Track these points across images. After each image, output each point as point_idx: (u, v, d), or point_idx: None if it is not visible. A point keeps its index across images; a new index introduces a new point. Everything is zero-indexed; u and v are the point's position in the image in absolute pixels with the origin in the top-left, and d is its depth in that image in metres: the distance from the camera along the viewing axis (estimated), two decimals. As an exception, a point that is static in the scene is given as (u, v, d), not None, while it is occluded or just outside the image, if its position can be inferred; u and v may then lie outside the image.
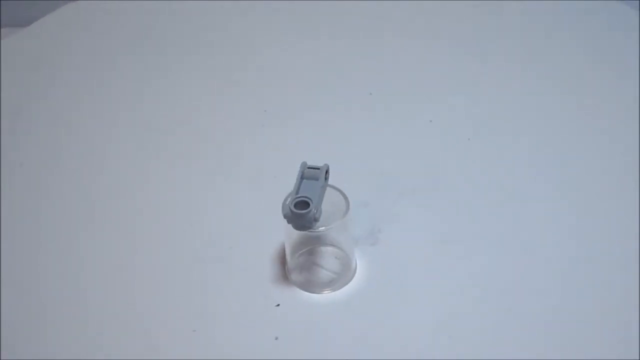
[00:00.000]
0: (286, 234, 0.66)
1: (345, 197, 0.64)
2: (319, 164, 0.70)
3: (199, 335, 0.63)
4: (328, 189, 0.64)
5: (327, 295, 0.65)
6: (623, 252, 0.67)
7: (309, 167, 0.64)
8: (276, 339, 0.62)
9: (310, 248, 0.68)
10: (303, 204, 0.61)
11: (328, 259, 0.68)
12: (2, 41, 1.00)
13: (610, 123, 0.81)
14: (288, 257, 0.67)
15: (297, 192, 0.62)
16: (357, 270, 0.67)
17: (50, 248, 0.71)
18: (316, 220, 0.61)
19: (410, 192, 0.75)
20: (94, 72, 0.95)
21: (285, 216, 0.61)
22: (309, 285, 0.66)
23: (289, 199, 0.62)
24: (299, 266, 0.67)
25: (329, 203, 0.63)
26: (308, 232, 0.63)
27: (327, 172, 0.64)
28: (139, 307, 0.66)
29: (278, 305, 0.64)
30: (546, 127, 0.81)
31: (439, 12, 1.01)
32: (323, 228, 0.63)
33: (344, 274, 0.66)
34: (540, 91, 0.87)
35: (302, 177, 0.63)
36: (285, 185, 0.64)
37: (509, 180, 0.75)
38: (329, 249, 0.68)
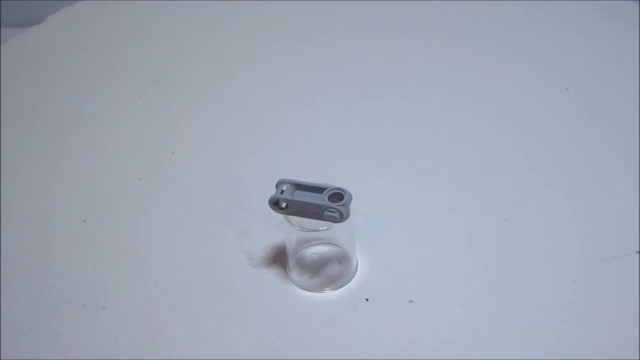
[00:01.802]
0: (286, 234, 0.66)
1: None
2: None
3: (198, 335, 0.63)
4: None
5: (328, 295, 0.65)
6: (623, 251, 0.67)
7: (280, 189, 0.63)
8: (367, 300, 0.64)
9: (310, 247, 0.68)
10: (337, 196, 0.61)
11: (329, 258, 0.68)
12: (2, 41, 1.00)
13: (611, 122, 0.81)
14: (288, 257, 0.67)
15: (306, 204, 0.62)
16: (358, 269, 0.67)
17: (50, 248, 0.71)
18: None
19: (411, 190, 0.75)
20: (97, 72, 0.94)
21: (328, 218, 0.61)
22: (310, 285, 0.66)
23: (324, 204, 0.61)
24: (300, 266, 0.67)
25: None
26: (308, 232, 0.63)
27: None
28: (138, 308, 0.66)
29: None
30: (546, 126, 0.81)
31: (438, 12, 1.01)
32: (324, 227, 0.63)
33: (345, 273, 0.66)
34: (541, 90, 0.86)
35: (293, 192, 0.63)
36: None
37: (511, 179, 0.75)
38: (330, 248, 0.68)
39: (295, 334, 0.63)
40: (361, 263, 0.67)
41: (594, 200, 0.72)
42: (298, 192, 0.63)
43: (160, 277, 0.68)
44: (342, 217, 0.61)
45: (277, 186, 0.63)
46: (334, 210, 0.61)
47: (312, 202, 0.61)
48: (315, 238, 0.67)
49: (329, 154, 0.80)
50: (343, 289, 0.66)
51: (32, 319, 0.65)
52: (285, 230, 0.65)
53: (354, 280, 0.66)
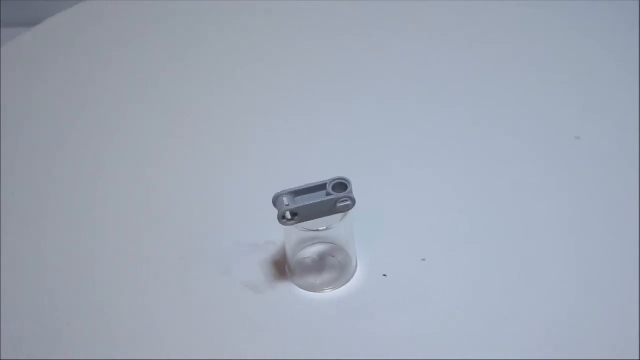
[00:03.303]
0: (286, 233, 0.66)
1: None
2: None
3: (198, 335, 0.63)
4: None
5: (327, 294, 0.65)
6: (623, 250, 0.68)
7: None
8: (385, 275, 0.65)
9: (310, 247, 0.68)
10: (340, 186, 0.62)
11: (328, 257, 0.68)
12: (2, 41, 0.99)
13: (610, 121, 0.81)
14: (288, 257, 0.67)
15: (316, 204, 0.62)
16: (358, 269, 0.67)
17: (49, 248, 0.71)
18: None
19: (410, 189, 0.75)
20: (97, 73, 0.94)
21: (341, 209, 0.62)
22: (310, 285, 0.66)
23: (334, 197, 0.61)
24: (299, 265, 0.67)
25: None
26: (308, 232, 0.63)
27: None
28: (137, 307, 0.66)
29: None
30: (545, 125, 0.81)
31: (437, 12, 1.01)
32: (324, 227, 0.63)
33: (344, 273, 0.67)
34: (540, 89, 0.86)
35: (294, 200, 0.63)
36: (285, 183, 0.64)
37: (512, 178, 0.75)
38: (330, 247, 0.68)
39: (294, 333, 0.63)
40: (360, 261, 0.67)
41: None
42: (298, 198, 0.62)
43: (161, 291, 0.67)
44: (354, 203, 0.61)
45: (275, 201, 0.62)
46: (345, 199, 0.61)
47: (321, 200, 0.61)
48: (314, 238, 0.67)
49: (315, 155, 0.79)
50: (344, 287, 0.66)
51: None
52: (284, 231, 0.65)
53: (354, 278, 0.66)
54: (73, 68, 0.96)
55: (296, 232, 0.64)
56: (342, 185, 0.62)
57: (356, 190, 0.63)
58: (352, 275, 0.66)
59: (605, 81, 0.86)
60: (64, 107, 0.89)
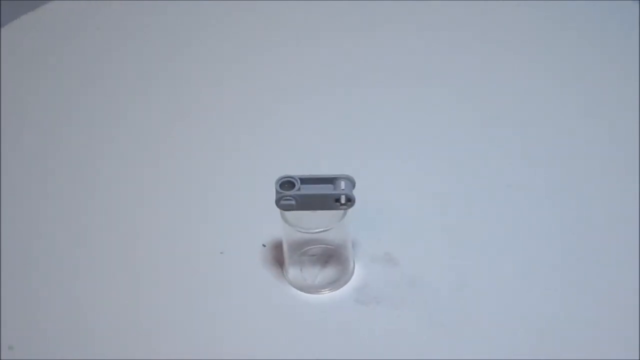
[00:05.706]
0: (284, 235, 0.66)
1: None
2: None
3: (196, 335, 0.63)
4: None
5: (325, 296, 0.65)
6: (623, 251, 0.67)
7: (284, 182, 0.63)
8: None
9: (308, 248, 0.68)
10: (287, 184, 0.62)
11: (326, 259, 0.68)
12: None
13: (611, 122, 0.81)
14: (286, 258, 0.67)
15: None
16: (355, 270, 0.67)
17: (49, 247, 0.71)
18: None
19: (408, 189, 0.75)
20: (76, 72, 0.93)
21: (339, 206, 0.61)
22: (307, 286, 0.66)
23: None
24: (297, 267, 0.67)
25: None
26: (306, 233, 0.63)
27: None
28: (135, 308, 0.66)
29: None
30: (545, 125, 0.81)
31: (437, 11, 1.01)
32: (321, 229, 0.63)
33: (342, 274, 0.66)
34: (539, 89, 0.86)
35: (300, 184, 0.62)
36: None
37: (512, 177, 0.75)
38: (327, 249, 0.68)
39: (292, 334, 0.63)
40: (357, 263, 0.67)
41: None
42: (304, 186, 0.62)
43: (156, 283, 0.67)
44: (352, 204, 0.61)
45: (278, 184, 0.62)
46: (345, 198, 0.61)
47: (322, 193, 0.61)
48: (312, 240, 0.67)
49: (314, 155, 0.79)
50: (342, 289, 0.66)
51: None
52: (282, 231, 0.65)
53: (351, 280, 0.66)
54: (50, 66, 0.94)
55: (294, 233, 0.64)
56: (289, 184, 0.61)
57: (354, 190, 0.63)
58: (350, 277, 0.66)
59: (605, 81, 0.86)
60: (54, 109, 0.88)
